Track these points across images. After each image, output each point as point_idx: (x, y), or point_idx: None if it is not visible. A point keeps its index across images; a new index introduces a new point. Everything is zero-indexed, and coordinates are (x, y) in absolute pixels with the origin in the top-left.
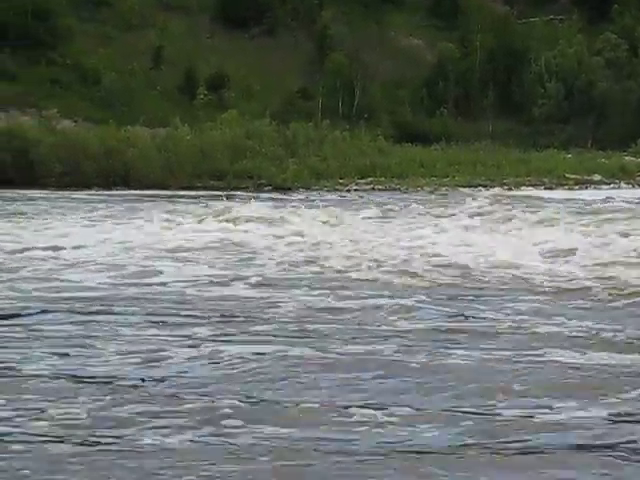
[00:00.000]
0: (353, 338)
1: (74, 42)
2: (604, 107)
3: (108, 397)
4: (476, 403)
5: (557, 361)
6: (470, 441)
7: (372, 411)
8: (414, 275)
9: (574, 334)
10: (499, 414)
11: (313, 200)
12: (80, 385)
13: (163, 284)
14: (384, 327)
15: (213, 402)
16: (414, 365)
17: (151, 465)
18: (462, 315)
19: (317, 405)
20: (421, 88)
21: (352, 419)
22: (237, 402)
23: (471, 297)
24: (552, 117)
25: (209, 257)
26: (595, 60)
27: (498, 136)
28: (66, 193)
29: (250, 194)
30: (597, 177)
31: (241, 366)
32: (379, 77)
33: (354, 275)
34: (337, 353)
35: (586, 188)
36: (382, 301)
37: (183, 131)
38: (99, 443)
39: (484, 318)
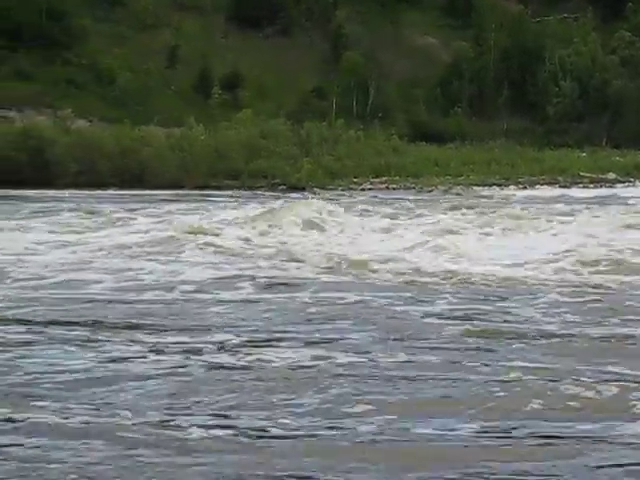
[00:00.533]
0: (391, 346)
1: (89, 42)
2: (619, 105)
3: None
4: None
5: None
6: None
7: (432, 430)
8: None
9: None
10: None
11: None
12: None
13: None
14: (413, 331)
15: (263, 419)
16: (470, 373)
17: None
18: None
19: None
20: (436, 87)
21: (409, 430)
22: (286, 408)
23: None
24: (567, 115)
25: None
26: (609, 58)
27: (512, 135)
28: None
29: (266, 193)
30: (612, 175)
31: (280, 373)
32: (394, 76)
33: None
34: (384, 362)
35: (601, 187)
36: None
37: (198, 131)
38: (129, 442)
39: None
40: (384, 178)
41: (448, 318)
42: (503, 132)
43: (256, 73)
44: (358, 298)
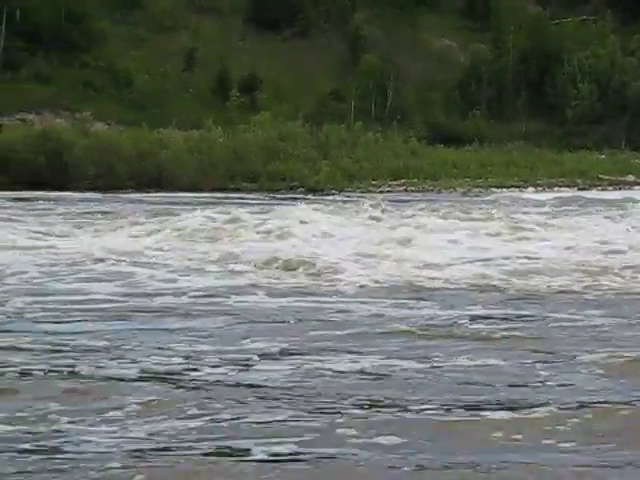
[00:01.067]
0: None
1: (107, 45)
2: (638, 107)
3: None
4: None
5: None
6: None
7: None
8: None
9: None
10: None
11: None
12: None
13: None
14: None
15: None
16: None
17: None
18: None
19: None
20: (454, 89)
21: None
22: (357, 410)
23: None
24: (585, 118)
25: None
26: (628, 60)
27: (531, 137)
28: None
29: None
30: (631, 178)
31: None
32: (412, 79)
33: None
34: (450, 366)
35: (619, 189)
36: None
37: (216, 133)
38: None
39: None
40: (402, 180)
41: (476, 321)
42: (522, 134)
43: (274, 75)
44: (366, 305)
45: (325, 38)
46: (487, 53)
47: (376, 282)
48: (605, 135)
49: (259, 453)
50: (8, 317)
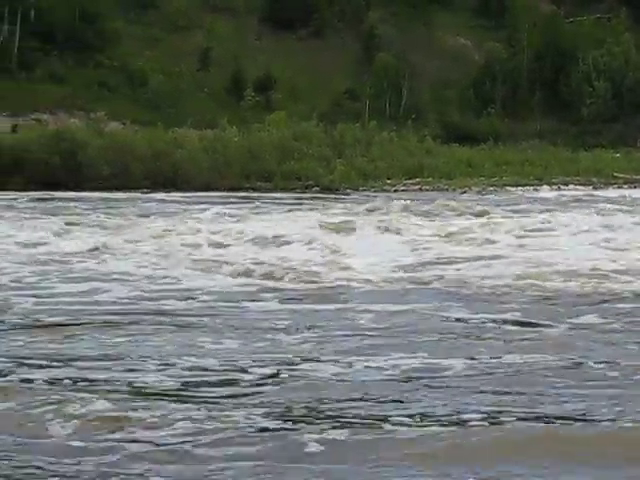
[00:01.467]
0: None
1: (121, 44)
2: None
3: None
4: None
5: None
6: None
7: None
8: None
9: None
10: None
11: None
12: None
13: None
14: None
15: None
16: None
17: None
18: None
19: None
20: (468, 88)
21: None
22: (402, 410)
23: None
24: (600, 116)
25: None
26: None
27: (546, 136)
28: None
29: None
30: None
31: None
32: (426, 77)
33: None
34: (496, 364)
35: (635, 187)
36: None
37: (231, 132)
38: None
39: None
40: (417, 179)
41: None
42: (536, 133)
43: (289, 75)
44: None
45: (340, 37)
46: (502, 51)
47: (375, 284)
48: (620, 133)
49: (311, 446)
50: None
